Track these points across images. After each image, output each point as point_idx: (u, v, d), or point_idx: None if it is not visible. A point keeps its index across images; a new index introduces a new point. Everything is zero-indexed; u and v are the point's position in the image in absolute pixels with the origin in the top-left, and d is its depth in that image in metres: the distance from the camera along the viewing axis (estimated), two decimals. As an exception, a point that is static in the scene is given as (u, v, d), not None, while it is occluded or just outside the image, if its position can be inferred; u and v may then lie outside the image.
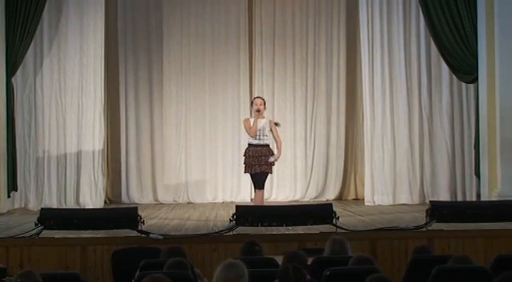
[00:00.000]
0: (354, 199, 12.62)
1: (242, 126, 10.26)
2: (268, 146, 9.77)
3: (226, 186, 12.60)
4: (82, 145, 11.81)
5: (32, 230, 8.03)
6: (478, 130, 11.03)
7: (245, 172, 9.85)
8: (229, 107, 12.63)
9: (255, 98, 10.25)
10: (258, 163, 9.62)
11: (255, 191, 9.94)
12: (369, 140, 11.88)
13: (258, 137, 9.70)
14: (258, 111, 9.71)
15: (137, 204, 11.12)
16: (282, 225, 8.29)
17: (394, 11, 11.97)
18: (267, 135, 9.75)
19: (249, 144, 9.78)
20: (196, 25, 12.66)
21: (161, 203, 12.37)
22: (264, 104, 9.89)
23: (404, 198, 11.84)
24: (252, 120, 9.78)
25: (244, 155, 9.82)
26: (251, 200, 12.41)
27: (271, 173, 9.89)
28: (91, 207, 11.38)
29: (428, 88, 11.97)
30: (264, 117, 9.83)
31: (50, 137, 11.81)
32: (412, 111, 11.97)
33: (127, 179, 12.56)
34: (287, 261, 5.26)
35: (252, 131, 9.70)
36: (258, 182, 9.70)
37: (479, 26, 10.89)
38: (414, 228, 8.27)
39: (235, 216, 8.12)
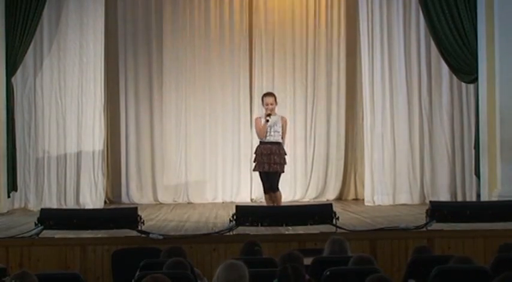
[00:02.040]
0: (353, 199, 12.62)
1: (253, 125, 10.02)
2: (279, 143, 9.51)
3: (226, 186, 12.59)
4: (82, 145, 11.81)
5: (32, 230, 8.02)
6: (478, 130, 11.03)
7: (254, 170, 9.73)
8: (229, 107, 12.62)
9: (265, 95, 9.88)
10: (268, 162, 9.41)
11: (265, 192, 9.69)
12: (369, 140, 11.89)
13: (268, 134, 9.45)
14: (269, 115, 9.41)
15: (137, 204, 11.11)
16: (282, 225, 8.28)
17: (394, 11, 11.97)
18: (278, 132, 9.49)
19: (260, 142, 9.59)
20: (196, 24, 12.64)
21: (161, 203, 12.37)
22: (275, 100, 9.62)
23: (404, 198, 11.84)
24: (263, 121, 9.53)
25: (255, 153, 9.69)
26: (251, 200, 12.43)
27: (283, 172, 9.65)
28: (91, 207, 11.38)
29: (428, 88, 11.98)
30: (276, 114, 9.60)
31: (50, 137, 11.81)
32: (412, 111, 11.98)
33: (127, 179, 12.56)
34: (283, 262, 5.26)
35: (261, 133, 9.47)
36: (271, 183, 9.48)
37: (479, 26, 10.88)
38: (414, 228, 8.26)
39: (235, 216, 8.12)
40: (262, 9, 12.66)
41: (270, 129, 9.46)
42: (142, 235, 7.99)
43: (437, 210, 8.25)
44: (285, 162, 9.59)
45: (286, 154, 9.64)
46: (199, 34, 12.64)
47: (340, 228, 8.13)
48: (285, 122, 9.67)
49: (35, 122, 11.76)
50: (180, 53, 12.62)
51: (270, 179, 9.51)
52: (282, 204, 9.76)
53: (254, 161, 9.68)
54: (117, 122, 12.64)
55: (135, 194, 12.53)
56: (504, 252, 6.01)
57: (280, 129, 9.51)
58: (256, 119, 9.81)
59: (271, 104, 9.52)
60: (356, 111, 12.70)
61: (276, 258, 5.79)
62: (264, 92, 12.36)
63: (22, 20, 11.01)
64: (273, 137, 9.48)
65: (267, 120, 9.44)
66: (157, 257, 6.16)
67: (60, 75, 11.78)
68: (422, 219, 8.42)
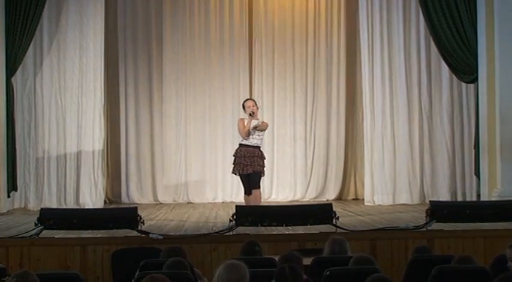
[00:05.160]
0: (353, 199, 12.63)
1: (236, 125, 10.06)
2: (259, 147, 9.62)
3: (226, 186, 12.59)
4: (82, 145, 11.81)
5: (32, 230, 8.03)
6: (478, 130, 11.03)
7: (234, 173, 9.69)
8: (229, 107, 12.62)
9: (245, 100, 10.02)
10: (251, 164, 9.48)
11: (246, 193, 9.71)
12: (369, 140, 11.89)
13: (251, 137, 9.57)
14: (252, 114, 9.56)
15: (137, 204, 11.14)
16: (282, 225, 8.28)
17: (394, 11, 11.97)
18: (259, 136, 9.62)
19: (240, 145, 9.64)
20: (196, 25, 12.66)
21: (161, 203, 12.38)
22: (255, 104, 9.78)
23: (404, 198, 11.84)
24: (246, 121, 9.64)
25: (234, 155, 9.70)
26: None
27: (263, 175, 9.74)
28: (91, 207, 11.38)
29: (428, 88, 11.98)
30: (258, 119, 9.74)
31: (50, 137, 11.81)
32: (412, 111, 11.98)
33: (127, 179, 12.57)
34: (282, 262, 5.26)
35: (245, 132, 9.55)
36: (254, 182, 9.54)
37: (479, 26, 10.89)
38: (414, 228, 8.27)
39: (235, 216, 8.12)
40: (262, 11, 12.67)
41: (254, 132, 9.58)
42: (142, 235, 7.99)
43: (437, 210, 8.25)
44: (264, 165, 9.68)
45: (265, 158, 9.72)
46: (199, 34, 12.65)
47: (340, 228, 8.14)
48: (266, 125, 9.84)
49: (35, 122, 11.77)
50: (180, 53, 12.63)
51: (253, 179, 9.55)
52: (282, 204, 9.74)
53: (234, 164, 9.67)
54: (117, 122, 12.65)
55: (135, 194, 12.53)
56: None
57: (262, 134, 9.69)
58: (241, 119, 9.82)
59: (253, 106, 9.66)
60: (356, 112, 12.71)
61: (276, 258, 5.79)
62: (264, 92, 12.48)
63: (22, 20, 11.01)
64: (255, 140, 9.60)
65: (251, 114, 9.55)
66: (157, 257, 6.16)
67: (60, 75, 11.79)
68: (422, 219, 8.43)
